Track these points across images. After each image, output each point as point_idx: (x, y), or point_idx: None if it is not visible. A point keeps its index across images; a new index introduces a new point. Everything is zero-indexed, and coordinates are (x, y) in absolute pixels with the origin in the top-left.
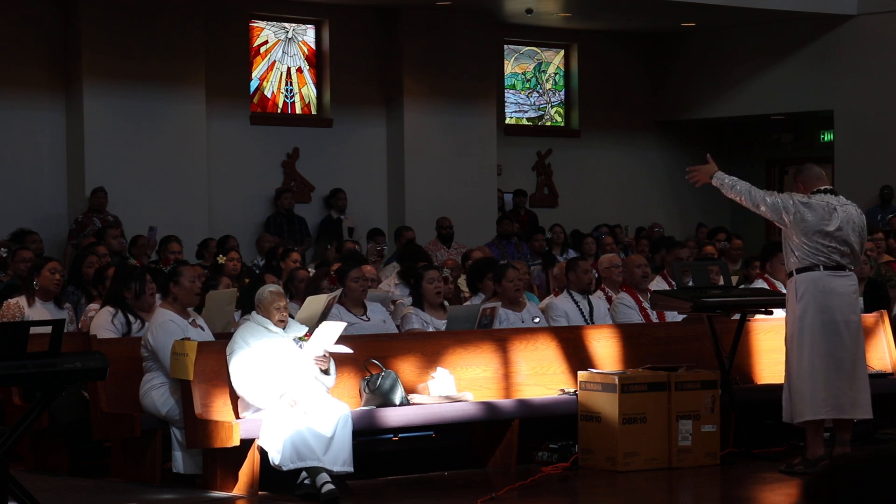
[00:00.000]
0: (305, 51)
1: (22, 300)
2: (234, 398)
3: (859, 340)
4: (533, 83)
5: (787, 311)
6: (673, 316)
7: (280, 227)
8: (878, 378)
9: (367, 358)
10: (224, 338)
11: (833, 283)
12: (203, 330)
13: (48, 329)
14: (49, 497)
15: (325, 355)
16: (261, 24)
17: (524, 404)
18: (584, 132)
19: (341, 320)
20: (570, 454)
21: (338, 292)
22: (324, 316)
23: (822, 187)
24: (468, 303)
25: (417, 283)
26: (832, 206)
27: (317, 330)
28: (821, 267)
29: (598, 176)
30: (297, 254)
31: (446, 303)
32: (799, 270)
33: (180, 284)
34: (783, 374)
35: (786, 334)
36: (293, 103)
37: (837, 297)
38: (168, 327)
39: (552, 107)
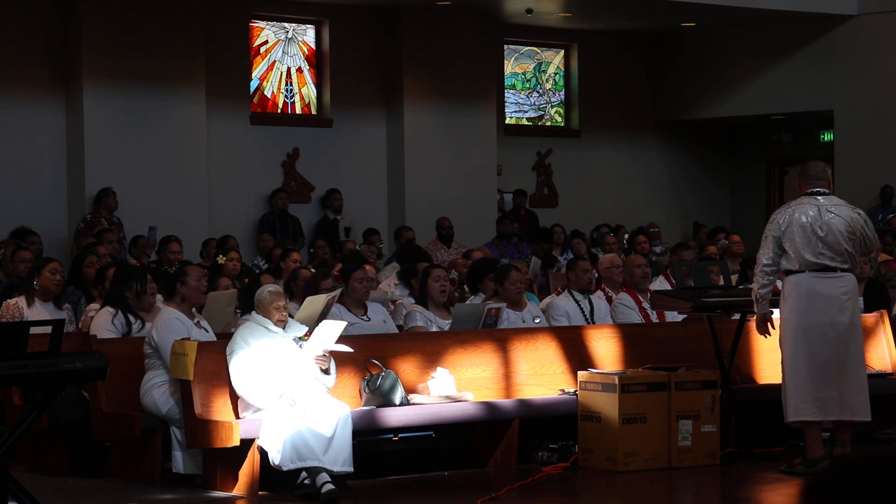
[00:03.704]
0: (305, 51)
1: (21, 300)
2: (234, 398)
3: (851, 342)
4: (533, 83)
5: (780, 312)
6: (673, 316)
7: (273, 227)
8: (878, 378)
9: (367, 358)
10: (224, 338)
11: (819, 285)
12: (207, 332)
13: (48, 329)
14: (49, 497)
15: (325, 354)
16: (261, 24)
17: (524, 404)
18: (584, 132)
19: (342, 320)
20: (570, 454)
21: (337, 292)
22: (323, 316)
23: (815, 189)
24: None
25: (423, 282)
26: (817, 209)
27: (317, 329)
28: (807, 270)
29: (598, 176)
30: (297, 254)
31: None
32: (787, 272)
33: (187, 284)
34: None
35: (779, 335)
36: (293, 103)
37: (822, 300)
38: (173, 325)
39: (552, 107)
